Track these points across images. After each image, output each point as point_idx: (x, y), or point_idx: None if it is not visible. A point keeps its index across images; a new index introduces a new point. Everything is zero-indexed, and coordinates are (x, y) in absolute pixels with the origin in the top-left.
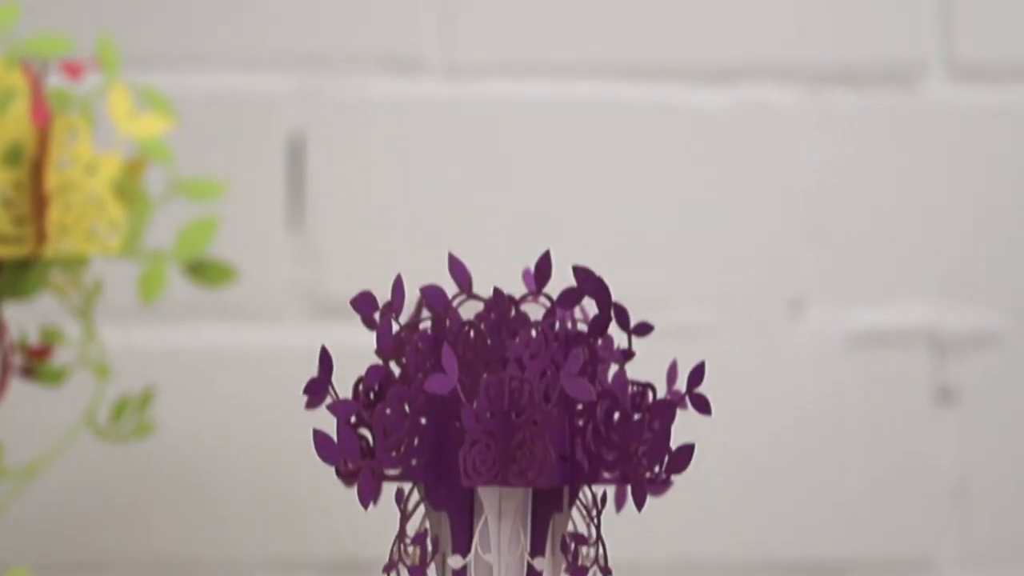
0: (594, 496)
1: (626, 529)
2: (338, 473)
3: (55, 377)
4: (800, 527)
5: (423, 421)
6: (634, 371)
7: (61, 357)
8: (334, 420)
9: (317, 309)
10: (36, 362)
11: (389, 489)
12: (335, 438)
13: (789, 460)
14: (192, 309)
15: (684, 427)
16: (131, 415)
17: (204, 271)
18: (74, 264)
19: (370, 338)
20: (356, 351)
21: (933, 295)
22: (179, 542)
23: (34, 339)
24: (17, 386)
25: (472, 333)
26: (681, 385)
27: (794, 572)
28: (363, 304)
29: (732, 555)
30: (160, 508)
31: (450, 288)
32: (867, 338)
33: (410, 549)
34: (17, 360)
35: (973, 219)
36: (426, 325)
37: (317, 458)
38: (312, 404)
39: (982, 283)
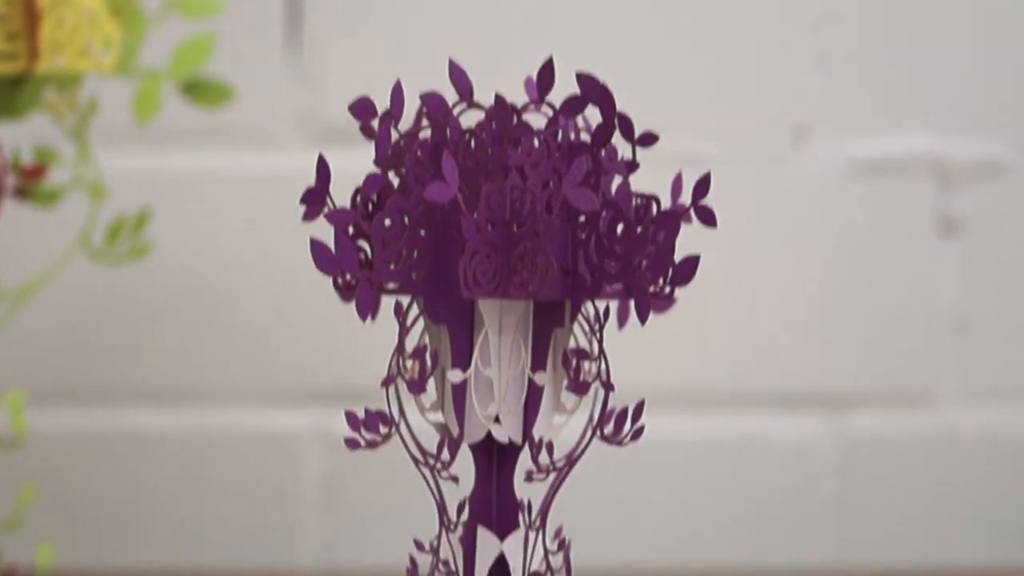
0: (596, 310)
1: (625, 358)
2: (336, 286)
3: (49, 198)
4: (800, 359)
5: (422, 233)
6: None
7: (56, 178)
8: (332, 234)
9: (315, 134)
10: (30, 182)
11: (388, 308)
12: (333, 249)
13: (790, 291)
14: (188, 133)
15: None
16: (126, 236)
17: (201, 90)
18: (68, 82)
19: (369, 164)
20: (356, 177)
21: (939, 124)
22: (175, 367)
23: (28, 159)
24: (11, 207)
25: (473, 142)
26: (686, 199)
27: (793, 404)
28: (361, 110)
29: (730, 386)
30: (156, 333)
31: (450, 97)
32: (871, 167)
33: (409, 363)
34: (10, 180)
35: (981, 48)
36: (426, 134)
37: (316, 284)
38: (309, 215)
39: (988, 113)
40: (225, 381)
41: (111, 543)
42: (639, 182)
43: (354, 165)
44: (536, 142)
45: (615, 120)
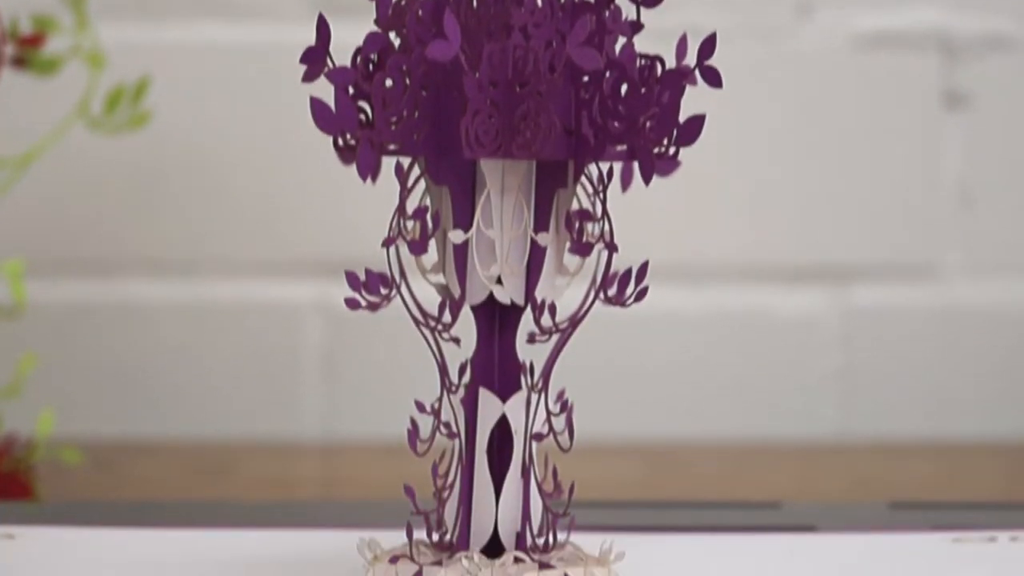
0: (600, 171)
1: (627, 232)
2: (336, 147)
3: (48, 67)
4: (804, 232)
5: (423, 93)
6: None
7: (54, 46)
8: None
9: (315, 3)
10: (28, 51)
11: (389, 173)
12: (333, 108)
13: (795, 165)
14: (188, 5)
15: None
16: (125, 105)
17: None
18: None
19: None
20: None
21: None
22: (174, 237)
23: (26, 28)
24: (9, 76)
25: (475, 1)
26: (691, 60)
27: (797, 277)
28: None
29: (735, 259)
30: (156, 203)
31: None
32: (876, 41)
33: (409, 224)
34: (9, 49)
35: None
36: None
37: (317, 155)
38: (309, 75)
39: None
40: (225, 252)
41: (111, 413)
42: (642, 47)
43: (355, 36)
44: (539, 1)
45: None
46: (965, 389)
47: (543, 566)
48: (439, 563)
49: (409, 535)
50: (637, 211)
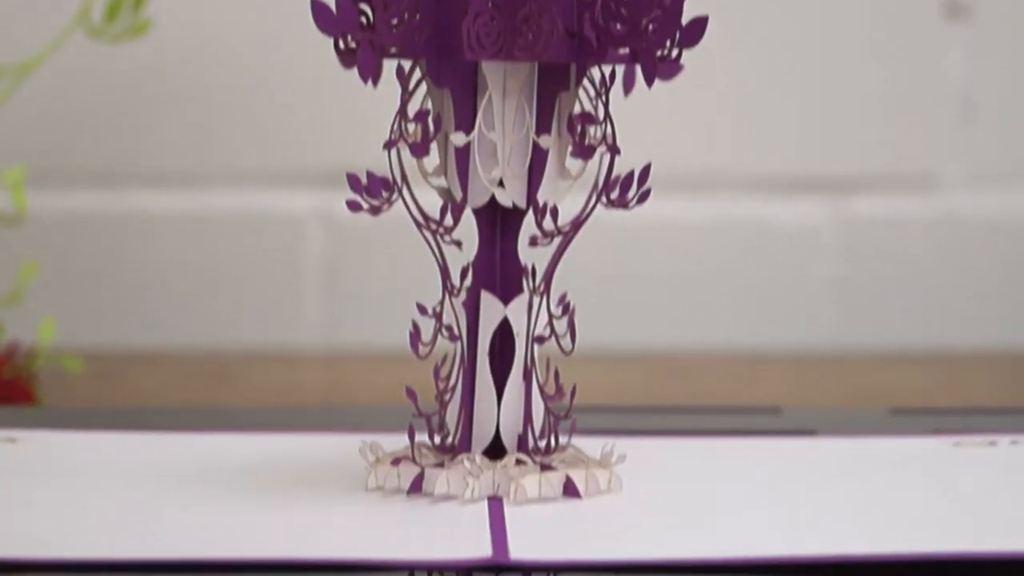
0: (603, 74)
1: (626, 141)
2: (337, 51)
3: None
4: (803, 142)
5: None
6: None
7: None
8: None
9: None
10: None
11: (390, 77)
12: (334, 10)
13: (794, 73)
14: None
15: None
16: (126, 14)
17: None
18: None
19: None
20: None
21: None
22: (175, 147)
23: None
24: None
25: None
26: None
27: (796, 187)
28: None
29: (732, 169)
30: (156, 113)
31: None
32: None
33: (411, 127)
34: None
35: None
36: None
37: (320, 63)
38: None
39: None
40: (226, 162)
41: (112, 323)
42: None
43: None
44: None
45: None
46: (963, 300)
47: (545, 468)
48: (441, 465)
49: (411, 437)
50: (638, 120)
